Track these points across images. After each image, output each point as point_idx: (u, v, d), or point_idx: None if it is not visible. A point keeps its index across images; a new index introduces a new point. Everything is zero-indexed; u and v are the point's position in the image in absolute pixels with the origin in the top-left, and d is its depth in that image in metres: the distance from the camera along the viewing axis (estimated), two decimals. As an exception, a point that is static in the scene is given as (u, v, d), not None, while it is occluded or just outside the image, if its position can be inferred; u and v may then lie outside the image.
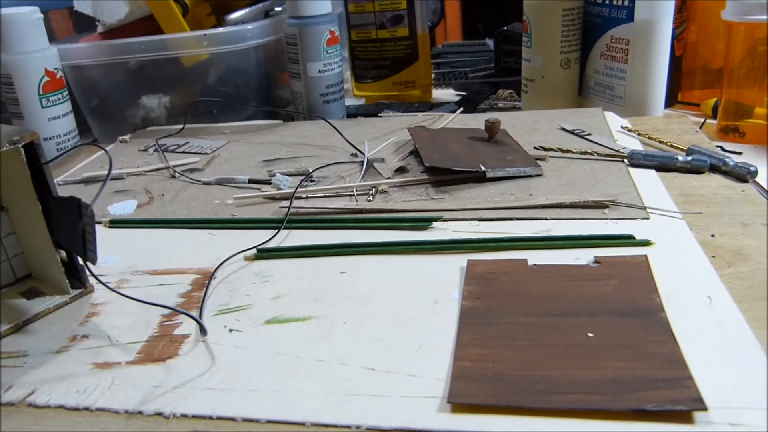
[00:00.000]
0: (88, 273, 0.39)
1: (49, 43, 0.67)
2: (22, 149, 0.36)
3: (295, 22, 0.68)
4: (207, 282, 0.39)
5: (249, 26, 0.69)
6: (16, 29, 0.64)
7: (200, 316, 0.35)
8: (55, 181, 0.58)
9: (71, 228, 0.36)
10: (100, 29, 0.76)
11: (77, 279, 0.40)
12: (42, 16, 0.66)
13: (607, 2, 0.63)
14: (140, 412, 0.29)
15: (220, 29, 0.69)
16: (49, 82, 0.66)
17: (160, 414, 0.29)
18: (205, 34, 0.68)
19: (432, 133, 0.58)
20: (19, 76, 0.65)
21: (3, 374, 0.33)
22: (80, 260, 0.39)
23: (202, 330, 0.34)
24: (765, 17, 0.54)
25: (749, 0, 0.55)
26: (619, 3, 0.61)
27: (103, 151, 0.67)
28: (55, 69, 0.67)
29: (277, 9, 0.78)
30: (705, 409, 0.26)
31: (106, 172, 0.60)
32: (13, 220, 0.41)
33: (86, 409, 0.30)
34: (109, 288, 0.35)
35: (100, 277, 0.42)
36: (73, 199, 0.37)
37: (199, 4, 0.75)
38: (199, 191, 0.54)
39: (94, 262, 0.36)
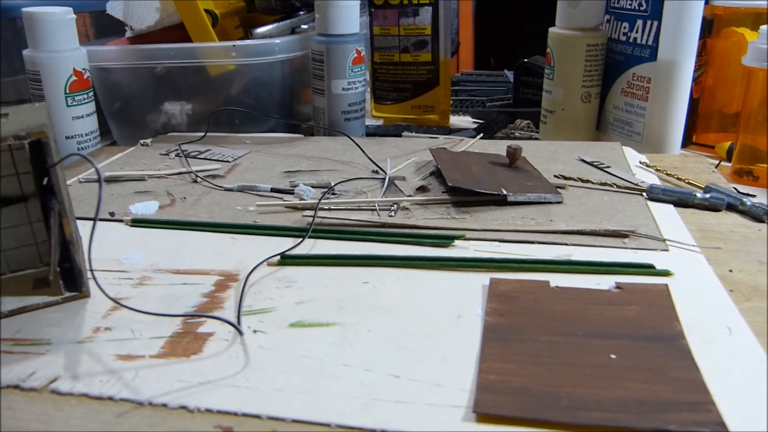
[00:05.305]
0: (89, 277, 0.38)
1: (78, 44, 0.68)
2: (28, 146, 0.35)
3: (323, 40, 0.69)
4: (242, 286, 0.39)
5: (277, 40, 0.71)
6: (48, 27, 0.65)
7: (238, 321, 0.36)
8: (76, 178, 0.60)
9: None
10: (128, 34, 0.77)
11: (74, 281, 0.39)
12: (75, 17, 0.67)
13: (630, 41, 0.64)
14: (164, 405, 0.29)
15: (249, 41, 0.70)
16: (76, 81, 0.67)
17: (184, 407, 0.29)
18: (234, 45, 0.69)
19: (454, 156, 0.58)
20: (48, 74, 0.66)
21: (26, 360, 0.33)
22: (80, 263, 0.38)
23: (239, 331, 0.35)
24: (785, 64, 0.56)
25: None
26: (643, 42, 0.63)
27: (123, 153, 0.68)
28: (83, 69, 0.68)
29: (303, 26, 0.79)
30: (728, 433, 0.26)
31: (127, 172, 0.61)
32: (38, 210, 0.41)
33: (110, 398, 0.30)
34: (110, 297, 0.35)
35: (124, 274, 0.43)
36: (54, 204, 0.37)
37: (228, 16, 0.77)
38: (221, 197, 0.54)
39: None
